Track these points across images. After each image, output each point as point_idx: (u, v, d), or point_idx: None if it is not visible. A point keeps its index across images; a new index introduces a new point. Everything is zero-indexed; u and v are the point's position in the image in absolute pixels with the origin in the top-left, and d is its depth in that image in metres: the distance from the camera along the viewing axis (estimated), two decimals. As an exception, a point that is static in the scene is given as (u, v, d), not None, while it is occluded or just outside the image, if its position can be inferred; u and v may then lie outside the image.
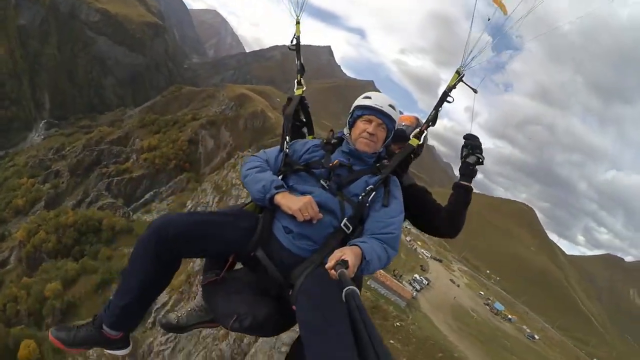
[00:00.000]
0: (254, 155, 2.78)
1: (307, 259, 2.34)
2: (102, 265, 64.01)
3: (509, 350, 53.79)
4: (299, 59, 3.21)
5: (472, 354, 42.89)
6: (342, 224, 2.40)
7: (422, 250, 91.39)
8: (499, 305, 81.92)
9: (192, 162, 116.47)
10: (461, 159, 2.80)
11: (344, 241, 2.36)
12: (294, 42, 3.25)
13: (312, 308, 1.93)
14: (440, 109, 2.86)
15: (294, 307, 2.16)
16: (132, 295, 2.23)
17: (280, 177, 2.61)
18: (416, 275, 63.53)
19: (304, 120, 3.20)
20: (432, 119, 2.87)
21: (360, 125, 2.68)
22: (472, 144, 2.78)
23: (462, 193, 2.77)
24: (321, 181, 2.53)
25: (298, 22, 3.20)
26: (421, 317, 48.95)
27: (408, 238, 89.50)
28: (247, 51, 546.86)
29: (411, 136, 2.83)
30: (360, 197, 2.49)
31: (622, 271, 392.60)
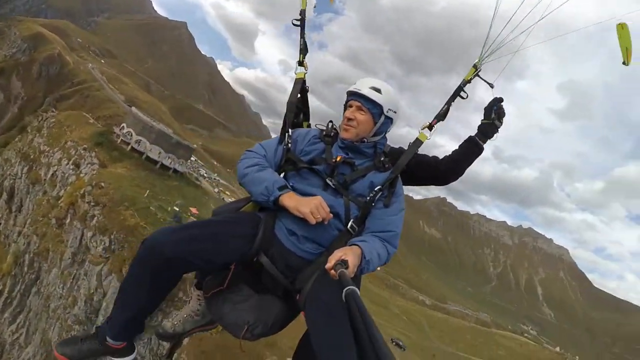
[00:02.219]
0: (249, 151, 2.61)
1: (313, 262, 2.30)
2: None
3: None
4: (302, 36, 2.94)
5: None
6: (348, 226, 2.35)
7: (230, 199, 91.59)
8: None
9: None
10: (489, 118, 2.75)
11: (348, 241, 2.29)
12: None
13: (323, 317, 1.91)
14: (452, 103, 2.70)
15: (302, 313, 2.16)
16: (134, 310, 2.19)
17: (282, 175, 2.53)
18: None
19: (302, 106, 2.97)
20: (443, 114, 2.67)
21: (346, 112, 2.58)
22: (503, 111, 2.76)
23: (476, 151, 2.79)
24: (327, 180, 2.42)
25: None
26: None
27: (216, 189, 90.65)
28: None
29: (420, 130, 2.66)
30: (367, 198, 2.41)
31: (411, 207, 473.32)
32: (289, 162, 2.57)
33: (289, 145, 2.59)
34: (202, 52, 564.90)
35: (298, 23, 2.97)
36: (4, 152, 72.37)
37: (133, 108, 73.15)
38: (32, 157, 62.59)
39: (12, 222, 60.10)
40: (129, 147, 64.17)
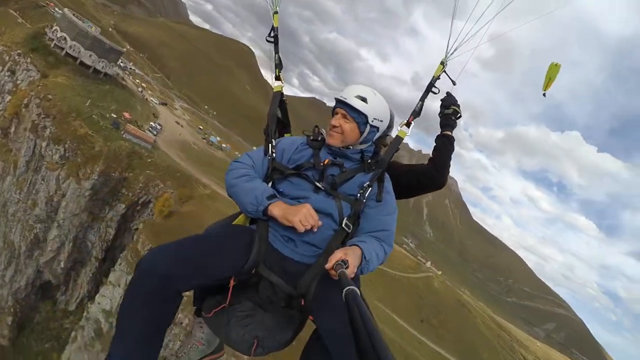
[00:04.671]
0: (236, 162, 2.56)
1: (313, 265, 2.27)
2: None
3: (217, 168, 75.37)
4: (276, 52, 3.01)
5: (196, 171, 62.55)
6: (343, 225, 2.35)
7: (152, 98, 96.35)
8: (214, 139, 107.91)
9: None
10: (440, 114, 2.98)
11: (344, 240, 2.35)
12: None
13: (332, 317, 1.91)
14: (425, 100, 2.87)
15: (310, 317, 2.18)
16: (133, 345, 1.94)
17: (270, 184, 2.50)
18: (152, 123, 74.49)
19: (282, 118, 3.04)
20: (418, 110, 2.83)
21: (332, 119, 2.60)
22: (449, 100, 2.98)
23: (447, 142, 2.91)
24: (316, 183, 2.42)
25: (276, 13, 3.08)
26: (162, 154, 64.98)
27: (140, 89, 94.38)
28: None
29: (399, 127, 2.78)
30: (357, 195, 2.44)
31: (323, 113, 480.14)
32: (275, 171, 2.54)
33: (274, 155, 2.58)
34: None
35: (272, 40, 3.03)
36: None
37: (66, 9, 70.08)
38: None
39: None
40: (64, 52, 65.29)
